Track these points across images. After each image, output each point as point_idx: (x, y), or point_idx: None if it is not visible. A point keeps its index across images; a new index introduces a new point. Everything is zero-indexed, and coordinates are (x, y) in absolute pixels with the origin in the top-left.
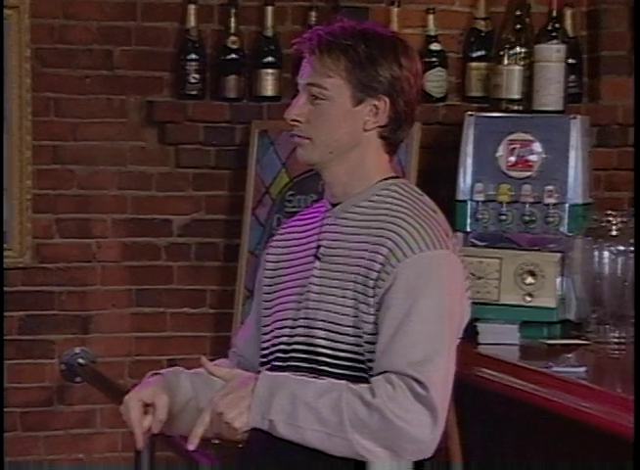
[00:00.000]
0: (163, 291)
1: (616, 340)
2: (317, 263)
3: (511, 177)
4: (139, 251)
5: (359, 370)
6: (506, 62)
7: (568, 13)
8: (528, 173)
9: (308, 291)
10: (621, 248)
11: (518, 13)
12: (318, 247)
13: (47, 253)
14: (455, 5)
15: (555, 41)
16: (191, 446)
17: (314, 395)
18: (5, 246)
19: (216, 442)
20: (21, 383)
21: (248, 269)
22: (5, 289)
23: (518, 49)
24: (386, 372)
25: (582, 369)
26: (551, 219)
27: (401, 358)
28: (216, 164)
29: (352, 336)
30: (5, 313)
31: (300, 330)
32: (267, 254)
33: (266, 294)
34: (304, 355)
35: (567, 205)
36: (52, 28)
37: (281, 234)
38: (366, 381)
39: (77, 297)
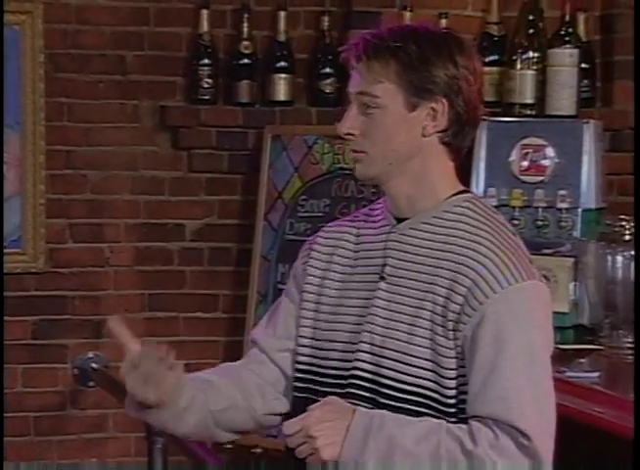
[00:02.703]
0: (176, 296)
1: (629, 345)
2: (382, 284)
3: (524, 182)
4: (152, 255)
5: (423, 406)
6: (519, 66)
7: (581, 17)
8: (541, 178)
9: (372, 314)
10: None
11: (530, 17)
12: (384, 265)
13: (60, 257)
14: (468, 9)
15: (568, 46)
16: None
17: (412, 439)
18: (18, 250)
19: (229, 446)
20: (34, 387)
21: (260, 274)
22: (18, 293)
23: (531, 54)
24: (483, 418)
25: (596, 374)
26: (564, 224)
27: (498, 404)
28: (229, 168)
29: (425, 369)
30: (18, 318)
31: (363, 356)
32: (311, 258)
33: (321, 305)
34: (365, 384)
35: (579, 209)
36: (65, 34)
37: (329, 237)
38: (431, 416)
39: (90, 301)
